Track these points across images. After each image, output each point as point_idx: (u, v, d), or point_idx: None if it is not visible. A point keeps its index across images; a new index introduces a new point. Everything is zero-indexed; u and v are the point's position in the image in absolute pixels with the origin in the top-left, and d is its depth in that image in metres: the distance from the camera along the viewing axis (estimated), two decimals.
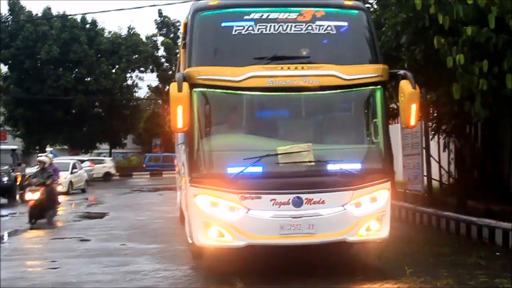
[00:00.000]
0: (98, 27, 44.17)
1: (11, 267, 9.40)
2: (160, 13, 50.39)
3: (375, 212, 7.96)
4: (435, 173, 14.58)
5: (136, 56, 44.93)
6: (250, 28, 8.06)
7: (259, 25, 8.06)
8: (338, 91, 8.08)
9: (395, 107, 15.42)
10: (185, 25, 8.54)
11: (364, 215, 7.88)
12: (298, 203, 7.64)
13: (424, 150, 13.89)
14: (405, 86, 7.85)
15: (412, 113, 7.82)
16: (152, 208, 19.49)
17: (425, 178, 14.00)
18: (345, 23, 8.43)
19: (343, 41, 8.47)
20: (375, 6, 13.24)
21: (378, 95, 8.16)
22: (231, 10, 8.38)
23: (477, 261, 8.95)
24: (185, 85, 7.51)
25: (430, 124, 13.68)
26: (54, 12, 42.61)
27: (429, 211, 12.71)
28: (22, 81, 40.87)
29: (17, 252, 10.90)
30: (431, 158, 14.17)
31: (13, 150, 23.60)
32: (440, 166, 14.88)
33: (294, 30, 8.11)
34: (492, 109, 8.98)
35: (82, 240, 12.35)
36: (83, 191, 28.63)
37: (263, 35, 8.07)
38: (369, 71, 8.10)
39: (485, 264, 8.76)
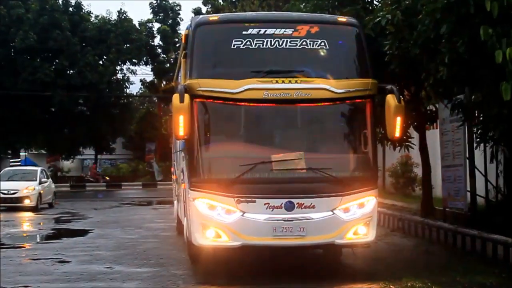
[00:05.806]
0: (83, 11, 44.39)
1: None
2: None
3: (362, 217, 9.79)
4: (480, 188, 14.52)
5: (128, 45, 45.04)
6: (248, 43, 9.89)
7: (257, 40, 9.90)
8: (329, 103, 9.96)
9: (433, 109, 15.50)
10: (186, 36, 10.47)
11: (352, 219, 9.72)
12: (290, 207, 9.43)
13: (467, 161, 13.86)
14: (391, 100, 9.72)
15: (397, 125, 9.68)
16: (144, 224, 19.57)
17: (468, 194, 13.97)
18: (338, 39, 10.43)
19: (335, 56, 10.42)
20: None
21: (367, 107, 10.03)
22: (231, 25, 10.44)
23: None
24: (187, 96, 9.33)
25: (474, 129, 13.63)
26: None
27: (472, 233, 12.67)
28: None
29: None
30: (476, 170, 14.14)
31: None
32: (487, 180, 14.81)
33: (289, 45, 9.94)
34: None
35: (61, 262, 12.41)
36: (50, 205, 27.09)
37: (260, 50, 9.92)
38: (359, 85, 9.93)
39: None
